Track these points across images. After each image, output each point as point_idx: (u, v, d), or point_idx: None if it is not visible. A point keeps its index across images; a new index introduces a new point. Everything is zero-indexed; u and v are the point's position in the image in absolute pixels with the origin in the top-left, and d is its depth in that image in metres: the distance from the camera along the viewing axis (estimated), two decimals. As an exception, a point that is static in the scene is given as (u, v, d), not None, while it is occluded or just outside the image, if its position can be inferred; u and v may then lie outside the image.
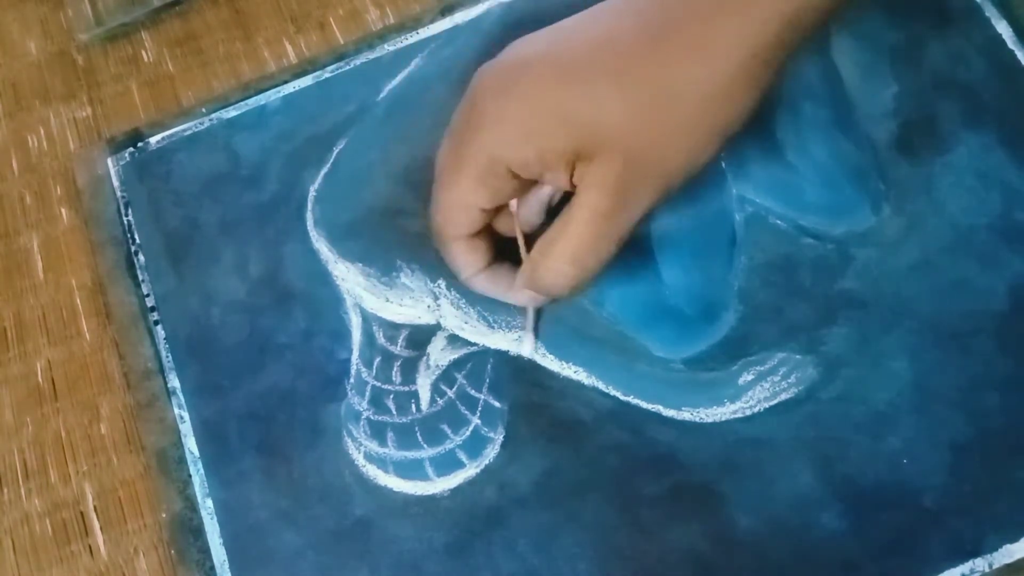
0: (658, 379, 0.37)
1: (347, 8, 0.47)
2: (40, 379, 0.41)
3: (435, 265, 0.38)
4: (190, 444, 0.39)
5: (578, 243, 0.32)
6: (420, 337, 0.39)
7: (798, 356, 0.37)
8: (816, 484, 0.35)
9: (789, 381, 0.36)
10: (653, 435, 0.36)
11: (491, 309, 0.39)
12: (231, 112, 0.44)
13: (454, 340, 0.39)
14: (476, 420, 0.38)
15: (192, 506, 0.38)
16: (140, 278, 0.42)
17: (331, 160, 0.42)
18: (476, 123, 0.32)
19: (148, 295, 0.41)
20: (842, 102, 0.40)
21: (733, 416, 0.36)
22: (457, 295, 0.39)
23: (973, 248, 0.38)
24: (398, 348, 0.39)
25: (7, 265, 0.44)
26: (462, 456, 0.37)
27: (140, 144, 0.45)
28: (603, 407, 0.37)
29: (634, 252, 0.38)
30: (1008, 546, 0.34)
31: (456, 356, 0.39)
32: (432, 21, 0.45)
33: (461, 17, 0.45)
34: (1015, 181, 0.38)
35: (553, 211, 0.36)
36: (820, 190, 0.39)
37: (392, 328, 0.39)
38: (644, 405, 0.37)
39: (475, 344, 0.39)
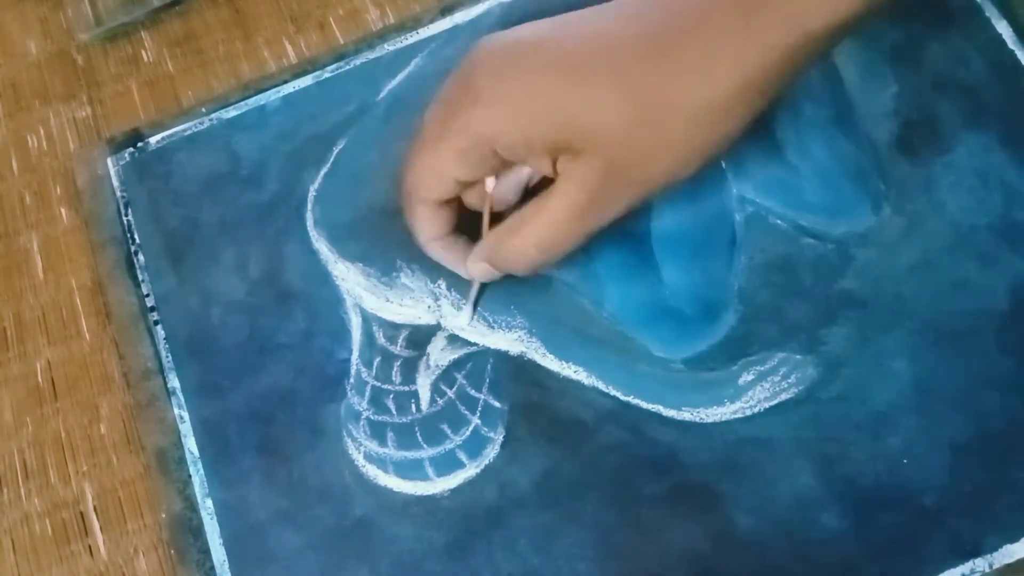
0: (658, 379, 0.37)
1: (347, 8, 0.47)
2: (40, 379, 0.41)
3: (435, 265, 0.38)
4: (190, 444, 0.39)
5: (548, 231, 0.33)
6: (420, 337, 0.39)
7: (798, 356, 0.37)
8: (816, 484, 0.35)
9: (789, 381, 0.36)
10: (653, 435, 0.36)
11: (491, 309, 0.39)
12: (231, 112, 0.44)
13: (454, 340, 0.39)
14: (476, 420, 0.38)
15: (192, 506, 0.38)
16: (140, 278, 0.42)
17: (331, 160, 0.42)
18: (469, 97, 0.32)
19: (148, 295, 0.41)
20: (842, 102, 0.40)
21: (733, 416, 0.36)
22: (457, 295, 0.39)
23: (973, 248, 0.38)
24: (398, 348, 0.39)
25: (7, 265, 0.44)
26: (462, 456, 0.37)
27: (140, 144, 0.45)
28: (603, 407, 0.37)
29: (634, 252, 0.38)
30: (1008, 546, 0.34)
31: (456, 356, 0.39)
32: (432, 21, 0.45)
33: (461, 17, 0.45)
34: (1015, 181, 0.38)
35: (528, 192, 0.36)
36: (820, 190, 0.39)
37: (392, 328, 0.39)
38: (644, 405, 0.37)
39: (475, 344, 0.39)
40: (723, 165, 0.39)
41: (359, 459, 0.38)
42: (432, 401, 0.38)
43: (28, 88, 0.48)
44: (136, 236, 0.43)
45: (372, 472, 0.37)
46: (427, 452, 0.37)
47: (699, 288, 0.38)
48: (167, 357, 0.40)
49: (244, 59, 0.46)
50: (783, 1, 0.29)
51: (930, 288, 0.37)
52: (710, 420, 0.36)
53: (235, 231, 0.42)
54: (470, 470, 0.37)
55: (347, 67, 0.45)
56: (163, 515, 0.38)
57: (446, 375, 0.38)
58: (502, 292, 0.38)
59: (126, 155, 0.44)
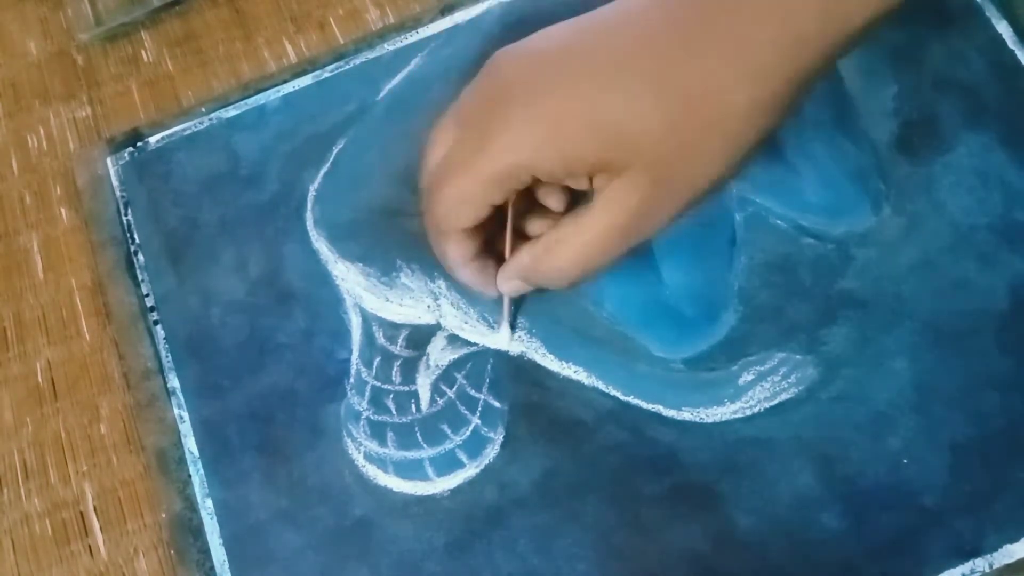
0: (658, 379, 0.37)
1: (347, 8, 0.47)
2: (40, 379, 0.41)
3: (435, 265, 0.38)
4: (190, 444, 0.39)
5: (588, 251, 0.32)
6: (420, 337, 0.39)
7: (798, 356, 0.37)
8: (816, 484, 0.35)
9: (789, 381, 0.36)
10: (653, 435, 0.36)
11: (491, 309, 0.39)
12: (231, 112, 0.44)
13: (454, 340, 0.39)
14: (476, 420, 0.38)
15: (192, 506, 0.38)
16: (140, 278, 0.42)
17: (331, 160, 0.42)
18: (500, 120, 0.30)
19: (148, 295, 0.41)
20: (842, 102, 0.40)
21: (733, 416, 0.36)
22: (457, 295, 0.39)
23: (973, 248, 0.38)
24: (398, 348, 0.39)
25: (7, 265, 0.44)
26: (462, 456, 0.37)
27: (140, 144, 0.45)
28: (603, 407, 0.37)
29: (634, 252, 0.38)
30: (1008, 546, 0.34)
31: (456, 356, 0.39)
32: (432, 21, 0.45)
33: (461, 17, 0.45)
34: (1015, 181, 0.38)
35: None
36: (820, 190, 0.39)
37: (392, 328, 0.39)
38: (644, 405, 0.37)
39: (475, 344, 0.39)
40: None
41: (359, 459, 0.38)
42: (432, 401, 0.38)
43: (28, 88, 0.48)
44: (136, 236, 0.43)
45: (372, 472, 0.37)
46: (427, 452, 0.37)
47: (699, 288, 0.38)
48: (167, 357, 0.40)
49: (244, 59, 0.46)
50: None
51: (930, 288, 0.37)
52: (710, 420, 0.36)
53: (235, 231, 0.42)
54: (470, 470, 0.37)
55: (347, 67, 0.45)
56: (163, 515, 0.38)
57: (446, 375, 0.38)
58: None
59: (126, 155, 0.44)
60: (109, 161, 0.44)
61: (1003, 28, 0.41)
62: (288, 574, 0.36)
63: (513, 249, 0.35)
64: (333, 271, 0.41)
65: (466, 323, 0.39)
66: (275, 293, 0.41)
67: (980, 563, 0.34)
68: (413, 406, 0.38)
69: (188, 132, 0.44)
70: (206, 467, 0.38)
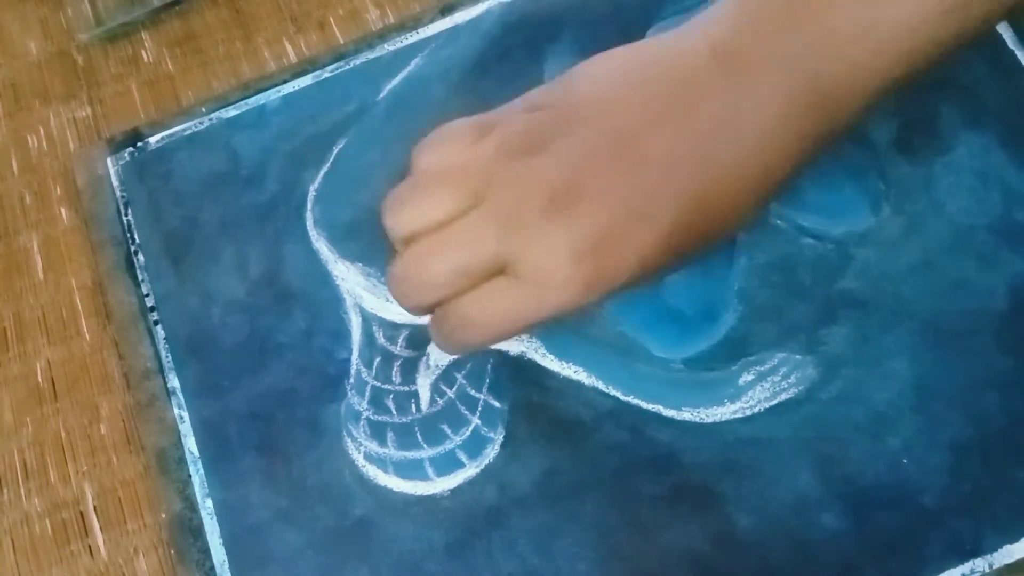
0: (658, 379, 0.37)
1: (347, 8, 0.47)
2: (40, 379, 0.41)
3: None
4: (190, 444, 0.39)
5: (507, 328, 0.30)
6: (420, 337, 0.39)
7: (798, 356, 0.37)
8: (816, 484, 0.35)
9: (789, 381, 0.36)
10: (653, 435, 0.36)
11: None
12: (231, 112, 0.44)
13: (454, 340, 0.39)
14: (476, 420, 0.38)
15: (192, 506, 0.38)
16: (140, 278, 0.42)
17: (331, 160, 0.42)
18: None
19: (148, 295, 0.41)
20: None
21: (733, 416, 0.36)
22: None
23: (973, 248, 0.38)
24: (398, 348, 0.39)
25: (7, 265, 0.44)
26: (462, 456, 0.37)
27: (140, 144, 0.45)
28: (603, 407, 0.37)
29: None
30: (1008, 546, 0.34)
31: (456, 356, 0.39)
32: (432, 21, 0.45)
33: (461, 17, 0.45)
34: (1015, 181, 0.38)
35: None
36: (820, 190, 0.39)
37: (392, 328, 0.39)
38: (644, 405, 0.37)
39: (475, 344, 0.39)
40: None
41: (359, 459, 0.38)
42: (432, 401, 0.38)
43: (28, 88, 0.48)
44: (136, 236, 0.43)
45: (372, 472, 0.37)
46: (427, 452, 0.37)
47: (699, 288, 0.38)
48: (167, 357, 0.40)
49: (244, 59, 0.46)
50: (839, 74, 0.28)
51: (930, 288, 0.37)
52: (710, 420, 0.36)
53: (235, 231, 0.42)
54: (470, 470, 0.37)
55: (347, 67, 0.45)
56: (163, 515, 0.38)
57: (446, 375, 0.38)
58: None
59: (126, 155, 0.44)
60: (109, 161, 0.44)
61: (1003, 28, 0.41)
62: (288, 574, 0.36)
63: None
64: (333, 271, 0.41)
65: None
66: (275, 293, 0.41)
67: (980, 563, 0.33)
68: (413, 406, 0.38)
69: (188, 132, 0.44)
70: (206, 467, 0.38)
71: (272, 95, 0.44)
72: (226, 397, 0.39)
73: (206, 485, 0.38)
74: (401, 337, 0.39)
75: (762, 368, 0.37)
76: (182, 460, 0.39)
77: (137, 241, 0.43)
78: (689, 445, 0.36)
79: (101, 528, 0.39)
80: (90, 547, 0.38)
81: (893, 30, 0.28)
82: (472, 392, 0.38)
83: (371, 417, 0.38)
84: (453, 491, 0.37)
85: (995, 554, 0.34)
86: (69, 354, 0.42)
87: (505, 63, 0.43)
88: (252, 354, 0.40)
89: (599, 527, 0.36)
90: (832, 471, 0.35)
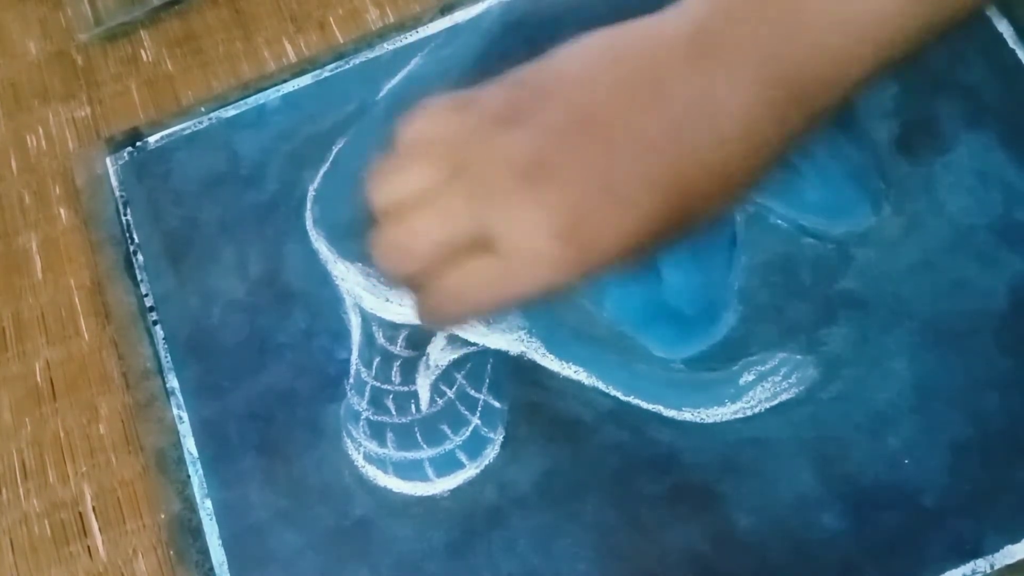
0: (658, 379, 0.37)
1: (347, 7, 0.47)
2: (39, 379, 0.41)
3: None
4: (189, 444, 0.39)
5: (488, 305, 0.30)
6: (420, 337, 0.39)
7: (798, 356, 0.37)
8: (816, 484, 0.35)
9: (789, 381, 0.36)
10: (653, 435, 0.36)
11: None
12: (230, 111, 0.44)
13: (454, 340, 0.39)
14: (476, 420, 0.37)
15: (191, 506, 0.38)
16: (139, 278, 0.42)
17: (331, 159, 0.42)
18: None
19: (147, 295, 0.41)
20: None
21: (734, 416, 0.36)
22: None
23: (973, 248, 0.38)
24: (398, 348, 0.39)
25: (6, 265, 0.44)
26: (462, 456, 0.37)
27: (139, 144, 0.44)
28: (603, 407, 0.37)
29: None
30: (1009, 547, 0.34)
31: (456, 356, 0.39)
32: (432, 20, 0.45)
33: (461, 16, 0.45)
34: (1015, 181, 0.38)
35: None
36: (820, 190, 0.39)
37: (392, 328, 0.39)
38: (644, 405, 0.37)
39: (475, 344, 0.39)
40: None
41: (359, 459, 0.38)
42: (432, 401, 0.38)
43: (28, 88, 0.48)
44: (135, 236, 0.43)
45: (372, 472, 0.37)
46: (427, 452, 0.37)
47: (699, 288, 0.38)
48: (166, 357, 0.40)
49: (244, 59, 0.46)
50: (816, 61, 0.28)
51: (930, 288, 0.37)
52: (710, 420, 0.36)
53: (235, 231, 0.42)
54: (470, 470, 0.37)
55: (347, 67, 0.45)
56: (162, 515, 0.38)
57: (446, 375, 0.38)
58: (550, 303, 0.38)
59: (125, 155, 0.44)
60: (108, 161, 0.44)
61: (1003, 28, 0.41)
62: (288, 574, 0.36)
63: None
64: (333, 271, 0.41)
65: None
66: (275, 293, 0.41)
67: (981, 563, 0.33)
68: (413, 406, 0.38)
69: (188, 132, 0.44)
70: (205, 467, 0.38)
71: (272, 95, 0.44)
72: (226, 397, 0.39)
73: (205, 485, 0.38)
74: (401, 337, 0.39)
75: (762, 368, 0.37)
76: (181, 460, 0.38)
77: (136, 241, 0.42)
78: (689, 445, 0.36)
79: (100, 528, 0.39)
80: (89, 547, 0.38)
81: (865, 20, 0.28)
82: (472, 392, 0.38)
83: (371, 417, 0.38)
84: (453, 491, 0.37)
85: (996, 554, 0.34)
86: (68, 354, 0.42)
87: (505, 63, 0.43)
88: (252, 354, 0.40)
89: (599, 527, 0.35)
90: (832, 471, 0.35)
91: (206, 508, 0.38)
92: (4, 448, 0.40)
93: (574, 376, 0.38)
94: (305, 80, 0.45)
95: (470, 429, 0.37)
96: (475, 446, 0.37)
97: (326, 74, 0.45)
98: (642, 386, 0.37)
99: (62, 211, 0.45)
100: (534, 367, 0.38)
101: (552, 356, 0.38)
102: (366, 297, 0.40)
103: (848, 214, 0.39)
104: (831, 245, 0.38)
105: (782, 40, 0.28)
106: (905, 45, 0.29)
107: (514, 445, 0.37)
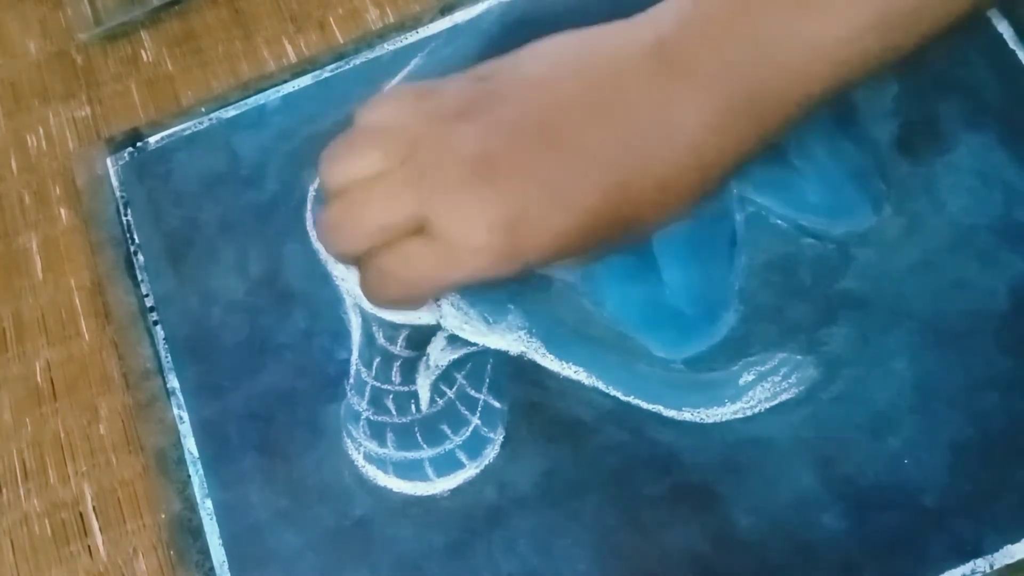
0: (658, 379, 0.37)
1: (347, 7, 0.47)
2: (39, 379, 0.41)
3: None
4: (189, 444, 0.39)
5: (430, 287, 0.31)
6: (420, 337, 0.39)
7: (799, 356, 0.37)
8: (816, 484, 0.35)
9: (790, 381, 0.36)
10: (653, 435, 0.36)
11: (491, 309, 0.39)
12: (231, 112, 0.44)
13: (454, 340, 0.39)
14: (476, 420, 0.37)
15: (191, 507, 0.38)
16: (139, 278, 0.42)
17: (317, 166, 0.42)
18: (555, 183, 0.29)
19: (147, 295, 0.41)
20: (843, 102, 0.40)
21: (734, 416, 0.36)
22: (457, 295, 0.39)
23: (974, 248, 0.38)
24: (398, 348, 0.39)
25: (6, 265, 0.44)
26: (462, 456, 0.37)
27: (139, 144, 0.44)
28: (603, 407, 0.37)
29: (634, 252, 0.38)
30: (1009, 547, 0.34)
31: (456, 356, 0.39)
32: (432, 20, 0.45)
33: (461, 16, 0.45)
34: (1016, 181, 0.38)
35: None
36: (821, 190, 0.39)
37: (392, 328, 0.39)
38: (644, 405, 0.37)
39: (475, 344, 0.39)
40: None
41: (359, 459, 0.38)
42: (432, 401, 0.38)
43: (28, 88, 0.48)
44: (135, 236, 0.43)
45: (372, 472, 0.37)
46: (427, 452, 0.37)
47: (699, 288, 0.38)
48: (167, 357, 0.40)
49: (244, 59, 0.46)
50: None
51: (930, 288, 0.37)
52: (710, 420, 0.36)
53: (235, 231, 0.42)
54: (470, 470, 0.37)
55: (347, 67, 0.45)
56: (162, 515, 0.38)
57: (446, 375, 0.38)
58: (501, 292, 0.38)
59: (125, 155, 0.44)
60: (109, 161, 0.44)
61: (1003, 28, 0.41)
62: (288, 574, 0.36)
63: None
64: (333, 271, 0.41)
65: (466, 323, 0.39)
66: (275, 293, 0.41)
67: (981, 563, 0.33)
68: (413, 406, 0.38)
69: (188, 132, 0.44)
70: (206, 467, 0.38)
71: (272, 95, 0.44)
72: (226, 397, 0.39)
73: (206, 485, 0.38)
74: (401, 337, 0.39)
75: (762, 368, 0.37)
76: (182, 460, 0.39)
77: (137, 241, 0.42)
78: (689, 445, 0.36)
79: (100, 528, 0.39)
80: (89, 548, 0.38)
81: (826, 42, 0.29)
82: (472, 392, 0.38)
83: (371, 417, 0.38)
84: (453, 491, 0.37)
85: (996, 554, 0.34)
86: (68, 354, 0.42)
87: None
88: (252, 354, 0.40)
89: (599, 527, 0.35)
90: (832, 471, 0.35)
91: (206, 508, 0.38)
92: (4, 448, 0.40)
93: (574, 376, 0.38)
94: (305, 80, 0.45)
95: (470, 429, 0.37)
96: (475, 446, 0.37)
97: (326, 74, 0.45)
98: (642, 386, 0.37)
99: (62, 211, 0.45)
100: (534, 367, 0.38)
101: (552, 356, 0.38)
102: (366, 297, 0.40)
103: (848, 214, 0.39)
104: (831, 245, 0.38)
105: (747, 59, 0.29)
106: (864, 68, 0.30)
107: (514, 445, 0.37)
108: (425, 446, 0.37)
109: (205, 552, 0.37)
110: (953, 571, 0.33)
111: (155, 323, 0.41)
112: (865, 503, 0.35)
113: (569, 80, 0.30)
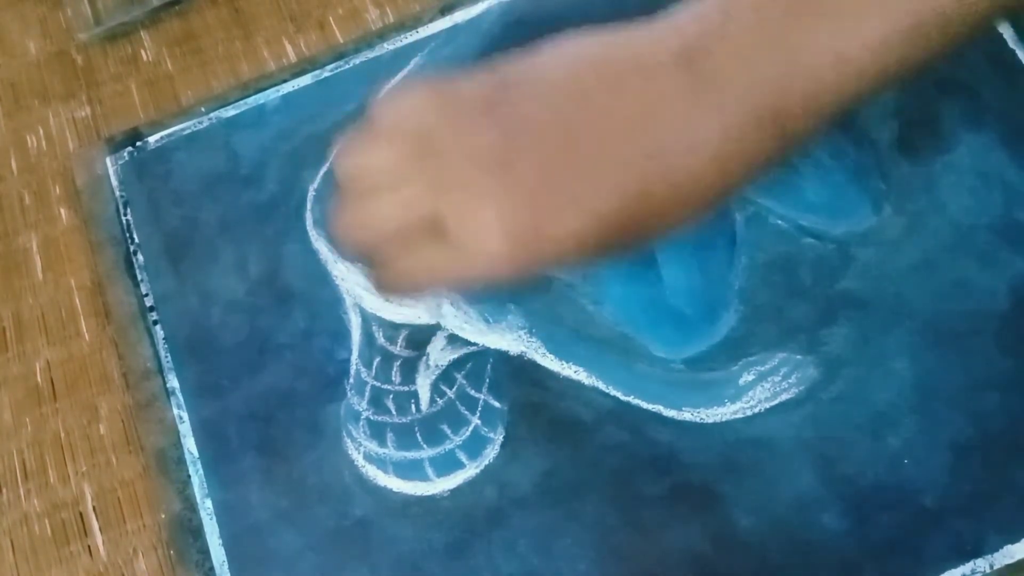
0: (658, 379, 0.37)
1: (347, 7, 0.47)
2: (39, 379, 0.41)
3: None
4: (189, 444, 0.39)
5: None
6: (420, 337, 0.39)
7: (799, 356, 0.37)
8: (816, 484, 0.35)
9: (790, 381, 0.36)
10: (653, 435, 0.36)
11: (491, 309, 0.39)
12: (230, 111, 0.44)
13: (454, 340, 0.39)
14: (476, 420, 0.37)
15: (191, 506, 0.38)
16: (139, 278, 0.42)
17: (330, 159, 0.42)
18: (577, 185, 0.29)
19: (147, 295, 0.41)
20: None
21: (734, 416, 0.36)
22: (457, 295, 0.39)
23: (973, 248, 0.38)
24: (398, 348, 0.39)
25: (6, 265, 0.44)
26: (462, 456, 0.37)
27: (139, 143, 0.44)
28: (603, 407, 0.37)
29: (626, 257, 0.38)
30: (1009, 547, 0.34)
31: (456, 356, 0.39)
32: (432, 20, 0.45)
33: (461, 16, 0.45)
34: (1015, 181, 0.38)
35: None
36: (821, 190, 0.39)
37: (392, 328, 0.39)
38: (644, 405, 0.37)
39: (475, 344, 0.39)
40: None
41: (359, 459, 0.38)
42: (432, 401, 0.38)
43: (28, 88, 0.48)
44: (135, 236, 0.43)
45: (372, 472, 0.37)
46: (427, 452, 0.37)
47: (699, 288, 0.38)
48: (167, 357, 0.40)
49: (244, 59, 0.46)
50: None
51: (930, 288, 0.37)
52: (710, 420, 0.36)
53: (235, 231, 0.42)
54: (470, 470, 0.37)
55: (347, 66, 0.45)
56: (162, 515, 0.38)
57: (446, 375, 0.38)
58: (501, 291, 0.38)
59: (125, 155, 0.44)
60: (108, 161, 0.44)
61: (1003, 28, 0.41)
62: (288, 574, 0.36)
63: None
64: (333, 271, 0.41)
65: (466, 323, 0.39)
66: (275, 293, 0.41)
67: (981, 563, 0.33)
68: (413, 406, 0.38)
69: (188, 132, 0.44)
70: (206, 467, 0.38)
71: (272, 95, 0.44)
72: (226, 397, 0.39)
73: (205, 485, 0.38)
74: (401, 337, 0.39)
75: (763, 368, 0.37)
76: (181, 460, 0.39)
77: (136, 241, 0.42)
78: (689, 445, 0.36)
79: (100, 528, 0.39)
80: (89, 547, 0.38)
81: (858, 53, 0.28)
82: (472, 392, 0.38)
83: (371, 417, 0.38)
84: (453, 491, 0.37)
85: (996, 554, 0.34)
86: (68, 354, 0.42)
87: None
88: (252, 354, 0.40)
89: (599, 527, 0.35)
90: (832, 471, 0.35)
91: (206, 508, 0.38)
92: (4, 448, 0.40)
93: (574, 376, 0.38)
94: (305, 80, 0.45)
95: (470, 429, 0.37)
96: (475, 446, 0.37)
97: (326, 74, 0.45)
98: (642, 386, 0.37)
99: (62, 211, 0.45)
100: (534, 367, 0.38)
101: (552, 356, 0.38)
102: (366, 297, 0.40)
103: (848, 214, 0.39)
104: (831, 245, 0.38)
105: (778, 72, 0.28)
106: (896, 76, 0.29)
107: (514, 445, 0.37)
108: (425, 446, 0.37)
109: (205, 552, 0.37)
110: (953, 571, 0.33)
111: (155, 323, 0.41)
112: (865, 503, 0.35)
113: (591, 84, 0.29)
